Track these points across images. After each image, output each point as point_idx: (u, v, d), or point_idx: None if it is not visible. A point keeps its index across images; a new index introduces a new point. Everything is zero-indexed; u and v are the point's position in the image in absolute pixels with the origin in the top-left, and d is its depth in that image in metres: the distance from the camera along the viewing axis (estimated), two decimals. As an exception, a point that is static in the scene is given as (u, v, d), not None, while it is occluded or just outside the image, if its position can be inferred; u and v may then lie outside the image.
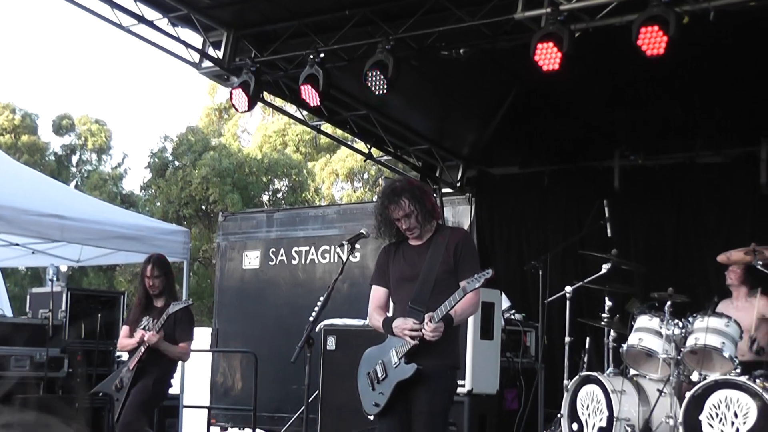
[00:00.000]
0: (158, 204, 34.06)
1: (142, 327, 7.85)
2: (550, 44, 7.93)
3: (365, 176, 35.44)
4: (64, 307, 10.37)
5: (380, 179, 22.83)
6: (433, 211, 5.86)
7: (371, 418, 5.86)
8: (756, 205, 10.11)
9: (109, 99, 61.90)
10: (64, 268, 12.75)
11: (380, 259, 6.05)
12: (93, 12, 9.61)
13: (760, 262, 7.70)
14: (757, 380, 6.92)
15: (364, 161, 12.96)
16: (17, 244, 11.57)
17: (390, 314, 5.90)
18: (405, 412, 5.68)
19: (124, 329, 8.09)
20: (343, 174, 35.40)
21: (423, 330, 5.49)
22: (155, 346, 7.70)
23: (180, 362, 10.74)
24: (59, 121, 37.22)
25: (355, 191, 35.88)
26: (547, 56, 7.98)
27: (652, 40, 7.58)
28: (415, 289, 5.71)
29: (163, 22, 10.01)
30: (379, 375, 5.74)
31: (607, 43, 8.34)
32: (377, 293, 6.01)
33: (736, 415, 6.85)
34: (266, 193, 36.29)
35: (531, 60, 8.01)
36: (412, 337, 5.55)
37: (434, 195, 6.03)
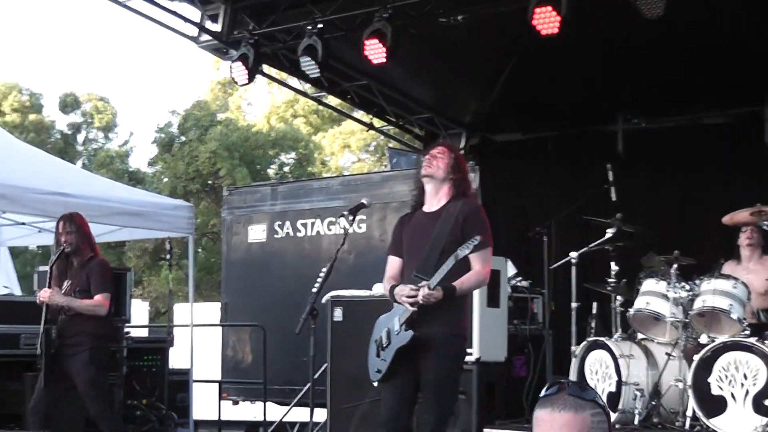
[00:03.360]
0: (165, 180, 33.95)
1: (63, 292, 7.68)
2: (548, 8, 7.80)
3: (372, 146, 35.28)
4: (71, 285, 10.30)
5: (385, 149, 22.71)
6: (461, 181, 5.86)
7: (375, 384, 5.88)
8: (761, 164, 9.94)
9: (114, 76, 61.93)
10: (73, 246, 12.69)
11: (395, 229, 6.09)
12: (90, -11, 9.48)
13: (766, 223, 7.60)
14: (766, 341, 6.83)
15: (366, 131, 12.85)
16: (23, 223, 11.50)
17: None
18: (409, 379, 5.67)
19: None
20: (356, 147, 35.26)
21: (417, 294, 5.49)
22: (52, 302, 7.52)
23: (190, 339, 10.83)
24: (65, 99, 37.11)
25: (363, 163, 35.71)
26: (546, 20, 7.85)
27: (651, 2, 7.44)
28: (422, 257, 5.68)
29: (161, -3, 9.88)
30: (384, 342, 5.77)
31: (607, 5, 8.19)
32: (391, 263, 6.00)
33: (745, 377, 6.78)
34: (272, 166, 36.18)
35: (529, 24, 7.87)
36: (411, 304, 5.55)
37: (472, 184, 6.10)
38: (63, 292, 7.64)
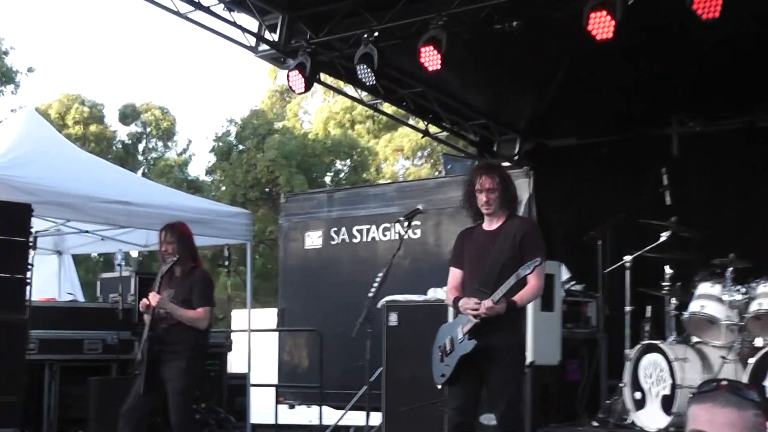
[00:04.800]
0: (224, 188, 34.25)
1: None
2: (603, 13, 7.80)
3: (426, 152, 35.30)
4: (133, 291, 10.47)
5: (440, 155, 22.73)
6: (512, 200, 6.32)
7: (439, 387, 6.34)
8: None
9: (171, 86, 62.67)
10: (134, 254, 12.90)
11: (457, 242, 6.48)
12: (150, 0, 9.64)
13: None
14: (822, 344, 6.79)
15: (422, 137, 12.91)
16: (87, 231, 11.74)
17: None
18: (472, 382, 6.10)
19: None
20: (408, 149, 35.29)
21: (480, 307, 5.92)
22: (161, 306, 7.46)
23: (247, 344, 10.95)
24: (124, 110, 37.61)
25: (417, 168, 35.75)
26: (601, 25, 7.84)
27: (708, 4, 7.41)
28: (483, 272, 6.09)
29: (219, 8, 10.02)
30: (447, 349, 6.17)
31: (661, 8, 8.17)
32: (454, 274, 6.39)
33: (802, 380, 6.74)
34: (329, 174, 36.34)
35: (584, 29, 7.88)
36: (474, 316, 5.95)
37: (516, 192, 6.45)
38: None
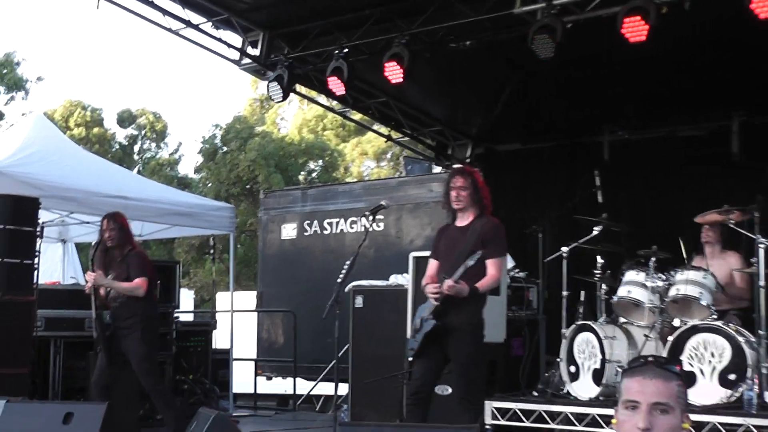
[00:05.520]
0: (210, 185, 34.09)
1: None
2: (545, 35, 7.85)
3: (389, 155, 35.32)
4: (129, 275, 10.41)
5: (401, 158, 22.79)
6: (482, 201, 6.39)
7: (410, 360, 6.36)
8: (728, 170, 9.96)
9: (164, 94, 62.29)
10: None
11: (435, 237, 6.70)
12: (146, 18, 9.58)
13: (732, 222, 7.62)
14: (731, 324, 6.90)
15: (385, 142, 12.92)
16: (88, 222, 11.64)
17: None
18: (436, 357, 6.21)
19: None
20: (372, 153, 35.29)
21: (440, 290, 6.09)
22: (99, 284, 7.63)
23: (230, 323, 10.93)
24: (121, 115, 37.31)
25: (381, 169, 35.77)
26: (543, 45, 7.91)
27: (635, 29, 7.49)
28: (451, 263, 6.20)
29: (207, 26, 9.96)
30: (417, 327, 6.29)
31: (595, 32, 8.24)
32: (431, 264, 6.58)
33: (713, 355, 6.85)
34: (302, 173, 36.26)
35: (529, 49, 7.95)
36: (435, 299, 6.11)
37: (490, 197, 6.52)
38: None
